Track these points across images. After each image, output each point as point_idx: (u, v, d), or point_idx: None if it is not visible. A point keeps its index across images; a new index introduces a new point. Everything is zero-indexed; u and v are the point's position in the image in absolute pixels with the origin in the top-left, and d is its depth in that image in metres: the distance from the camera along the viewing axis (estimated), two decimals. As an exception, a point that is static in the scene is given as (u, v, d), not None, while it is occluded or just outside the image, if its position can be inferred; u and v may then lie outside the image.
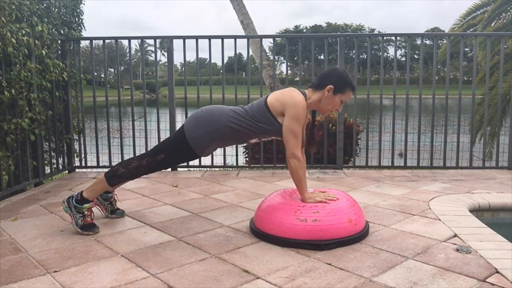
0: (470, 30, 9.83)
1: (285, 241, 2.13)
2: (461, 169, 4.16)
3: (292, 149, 2.20)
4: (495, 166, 4.24)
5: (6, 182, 3.32)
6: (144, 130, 4.25)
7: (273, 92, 2.36)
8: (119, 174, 2.41)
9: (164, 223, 2.54)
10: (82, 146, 4.37)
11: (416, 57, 47.06)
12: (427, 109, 5.32)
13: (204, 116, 2.35)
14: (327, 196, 2.24)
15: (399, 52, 58.45)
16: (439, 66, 36.77)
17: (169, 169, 4.28)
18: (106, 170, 2.94)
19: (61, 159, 4.24)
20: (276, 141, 4.32)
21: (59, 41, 3.99)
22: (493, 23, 9.27)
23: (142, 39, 4.40)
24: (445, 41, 10.27)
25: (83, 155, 4.36)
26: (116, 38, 4.39)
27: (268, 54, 8.49)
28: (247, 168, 4.45)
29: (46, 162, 3.97)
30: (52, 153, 4.14)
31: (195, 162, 4.24)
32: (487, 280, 1.74)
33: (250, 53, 4.57)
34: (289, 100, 2.22)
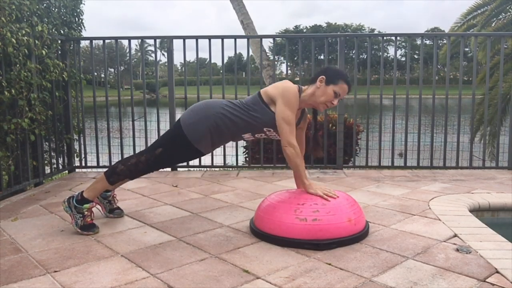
0: (471, 30, 9.83)
1: (285, 240, 2.13)
2: (461, 169, 4.16)
3: (287, 137, 2.20)
4: (495, 166, 4.24)
5: (6, 182, 3.32)
6: (144, 130, 4.25)
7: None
8: (118, 172, 2.40)
9: (164, 223, 2.54)
10: (82, 146, 4.37)
11: (416, 57, 47.08)
12: (427, 109, 5.32)
13: (200, 105, 2.41)
14: (327, 192, 2.22)
15: (399, 52, 58.49)
16: (439, 66, 36.77)
17: (169, 169, 4.28)
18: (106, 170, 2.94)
19: (61, 159, 4.24)
20: (276, 141, 4.32)
21: (59, 41, 3.99)
22: (493, 23, 9.27)
23: (142, 39, 4.40)
24: (445, 41, 10.26)
25: (83, 155, 4.37)
26: (116, 38, 4.39)
27: (268, 54, 8.49)
28: (247, 168, 4.45)
29: (46, 162, 3.97)
30: (52, 153, 4.14)
31: (195, 162, 4.24)
32: (487, 280, 1.74)
33: (250, 53, 4.58)
34: (281, 87, 2.26)
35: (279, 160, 4.50)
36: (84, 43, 4.42)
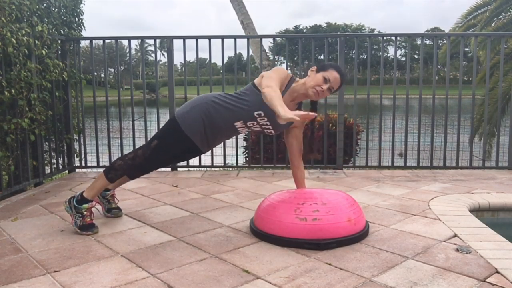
0: (471, 30, 9.83)
1: (285, 240, 2.13)
2: (461, 169, 4.16)
3: (267, 82, 2.15)
4: (495, 166, 4.24)
5: (6, 182, 3.32)
6: (144, 130, 4.25)
7: None
8: (116, 167, 2.39)
9: (164, 223, 2.54)
10: (82, 146, 4.37)
11: (416, 57, 47.05)
12: (427, 109, 5.32)
13: (194, 98, 2.46)
14: (301, 114, 1.98)
15: (399, 52, 58.48)
16: (439, 66, 36.76)
17: (169, 169, 4.28)
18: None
19: (61, 159, 4.24)
20: (276, 141, 4.32)
21: (59, 41, 3.99)
22: (493, 23, 9.27)
23: (142, 39, 4.40)
24: (445, 41, 10.26)
25: (83, 155, 4.37)
26: (116, 38, 4.39)
27: (268, 54, 8.50)
28: (247, 168, 4.45)
29: (46, 162, 3.97)
30: (52, 153, 4.14)
31: (195, 162, 4.24)
32: (487, 280, 1.74)
33: (250, 53, 4.58)
34: (271, 69, 2.33)
35: (279, 160, 4.50)
36: (84, 43, 4.42)
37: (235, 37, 4.16)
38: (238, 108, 2.29)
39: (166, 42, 4.18)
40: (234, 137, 4.49)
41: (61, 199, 3.12)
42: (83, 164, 4.37)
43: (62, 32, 4.18)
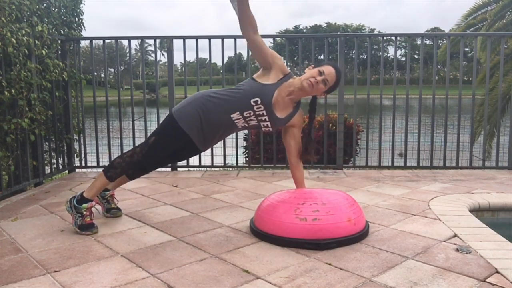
0: (471, 30, 9.83)
1: (285, 240, 2.13)
2: (461, 169, 4.16)
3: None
4: (495, 166, 4.24)
5: (6, 182, 3.32)
6: (144, 130, 4.25)
7: None
8: (115, 165, 2.40)
9: (164, 223, 2.54)
10: (82, 146, 4.37)
11: (416, 57, 47.06)
12: (427, 109, 5.32)
13: (191, 95, 2.49)
14: None
15: (399, 52, 58.48)
16: (439, 66, 36.77)
17: (169, 169, 4.28)
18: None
19: (61, 159, 4.24)
20: (276, 141, 4.32)
21: (59, 41, 3.99)
22: (496, 25, 9.27)
23: (142, 39, 4.40)
24: (445, 41, 10.27)
25: (83, 155, 4.37)
26: (116, 38, 4.38)
27: (268, 54, 8.48)
28: (247, 168, 4.45)
29: (46, 162, 3.97)
30: (52, 153, 4.14)
31: (195, 162, 4.24)
32: (487, 280, 1.74)
33: (250, 53, 4.57)
34: None
35: (279, 160, 4.51)
36: (84, 43, 4.43)
37: (235, 37, 4.16)
38: (234, 98, 2.30)
39: (166, 42, 4.18)
40: (234, 137, 4.51)
41: (61, 199, 3.12)
42: (83, 164, 4.37)
43: (62, 32, 4.18)
